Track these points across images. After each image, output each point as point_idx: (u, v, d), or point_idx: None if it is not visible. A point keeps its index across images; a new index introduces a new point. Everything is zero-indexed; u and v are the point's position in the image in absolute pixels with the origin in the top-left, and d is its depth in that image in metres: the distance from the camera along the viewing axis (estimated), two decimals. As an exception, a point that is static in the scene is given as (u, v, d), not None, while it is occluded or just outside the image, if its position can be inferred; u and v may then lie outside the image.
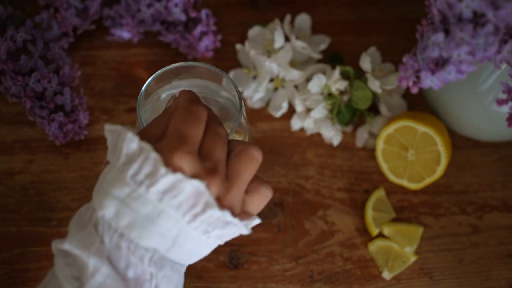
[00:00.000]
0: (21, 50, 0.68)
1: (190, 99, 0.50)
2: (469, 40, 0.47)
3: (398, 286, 0.65)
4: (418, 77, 0.51)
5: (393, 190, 0.70)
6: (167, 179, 0.44)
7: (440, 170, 0.67)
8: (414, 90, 0.51)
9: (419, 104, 0.74)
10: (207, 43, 0.72)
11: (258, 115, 0.73)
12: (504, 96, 0.61)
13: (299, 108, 0.70)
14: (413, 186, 0.68)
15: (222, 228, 0.47)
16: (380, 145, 0.68)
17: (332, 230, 0.68)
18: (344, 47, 0.77)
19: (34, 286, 0.63)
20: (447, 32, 0.48)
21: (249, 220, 0.49)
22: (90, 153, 0.70)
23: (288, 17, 0.73)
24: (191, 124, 0.47)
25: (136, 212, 0.45)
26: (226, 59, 0.75)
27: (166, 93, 0.62)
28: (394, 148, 0.68)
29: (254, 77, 0.72)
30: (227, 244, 0.66)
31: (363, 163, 0.71)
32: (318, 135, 0.72)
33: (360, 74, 0.72)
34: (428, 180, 0.68)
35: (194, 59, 0.74)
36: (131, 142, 0.46)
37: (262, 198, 0.49)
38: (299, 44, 0.70)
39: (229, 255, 0.66)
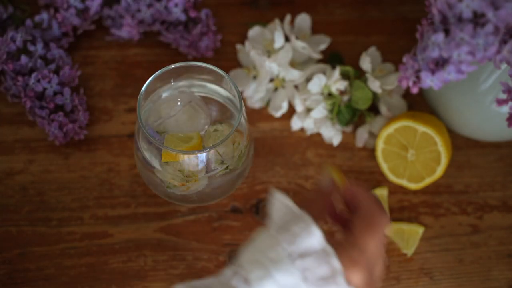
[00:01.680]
0: (21, 50, 0.68)
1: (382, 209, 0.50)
2: (469, 40, 0.47)
3: (398, 286, 0.65)
4: (418, 77, 0.51)
5: (393, 190, 0.70)
6: (338, 278, 0.44)
7: (440, 170, 0.67)
8: (414, 90, 0.51)
9: (419, 104, 0.74)
10: (207, 43, 0.72)
11: (258, 115, 0.73)
12: (504, 96, 0.61)
13: (299, 108, 0.70)
14: (413, 186, 0.68)
15: None
16: (380, 145, 0.68)
17: (332, 230, 0.68)
18: (344, 47, 0.77)
19: (34, 286, 0.63)
20: (447, 32, 0.49)
21: None
22: (90, 153, 0.70)
23: (288, 17, 0.73)
24: (379, 241, 0.48)
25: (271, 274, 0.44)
26: (226, 59, 0.75)
27: (166, 93, 0.62)
28: (394, 148, 0.68)
29: (254, 77, 0.72)
30: (227, 244, 0.66)
31: (363, 163, 0.71)
32: (318, 135, 0.72)
33: (360, 74, 0.72)
34: (428, 180, 0.68)
35: (194, 59, 0.74)
36: (316, 239, 0.45)
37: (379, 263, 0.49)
38: (299, 44, 0.70)
39: (229, 255, 0.66)
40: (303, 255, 0.45)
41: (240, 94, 0.58)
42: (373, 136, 0.71)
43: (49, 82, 0.67)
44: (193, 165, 0.58)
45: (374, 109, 0.73)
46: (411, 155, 0.67)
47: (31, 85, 0.66)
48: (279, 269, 0.44)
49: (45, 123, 0.67)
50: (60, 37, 0.72)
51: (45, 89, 0.67)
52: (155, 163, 0.59)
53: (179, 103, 0.62)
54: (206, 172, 0.59)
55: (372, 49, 0.71)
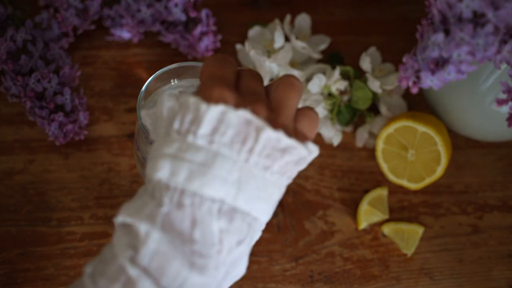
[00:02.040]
0: (21, 50, 0.68)
1: (217, 57, 0.48)
2: (469, 40, 0.47)
3: (398, 286, 0.65)
4: (418, 77, 0.51)
5: (393, 190, 0.70)
6: (211, 114, 0.42)
7: (440, 170, 0.67)
8: (414, 90, 0.51)
9: (419, 104, 0.74)
10: (207, 43, 0.72)
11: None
12: (504, 96, 0.61)
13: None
14: (413, 186, 0.68)
15: (282, 157, 0.44)
16: (380, 145, 0.68)
17: (332, 230, 0.68)
18: (344, 47, 0.77)
19: (34, 286, 0.63)
20: (447, 32, 0.49)
21: (305, 143, 0.45)
22: (90, 153, 0.70)
23: (288, 17, 0.73)
24: (223, 65, 0.46)
25: (191, 162, 0.42)
26: (226, 59, 0.75)
27: (166, 93, 0.62)
28: (394, 148, 0.68)
29: (254, 77, 0.72)
30: (227, 244, 0.66)
31: (363, 163, 0.71)
32: (318, 135, 0.72)
33: (360, 74, 0.72)
34: (428, 180, 0.68)
35: (194, 59, 0.74)
36: (168, 101, 0.44)
37: (312, 120, 0.47)
38: (299, 44, 0.70)
39: (229, 255, 0.66)
40: (171, 121, 0.44)
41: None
42: (373, 136, 0.72)
43: (49, 82, 0.67)
44: None
45: (374, 109, 0.73)
46: (411, 155, 0.67)
47: (31, 85, 0.66)
48: (163, 146, 0.43)
49: (45, 123, 0.67)
50: (60, 37, 0.72)
51: (45, 89, 0.67)
52: None
53: None
54: None
55: (372, 49, 0.71)
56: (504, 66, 0.60)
